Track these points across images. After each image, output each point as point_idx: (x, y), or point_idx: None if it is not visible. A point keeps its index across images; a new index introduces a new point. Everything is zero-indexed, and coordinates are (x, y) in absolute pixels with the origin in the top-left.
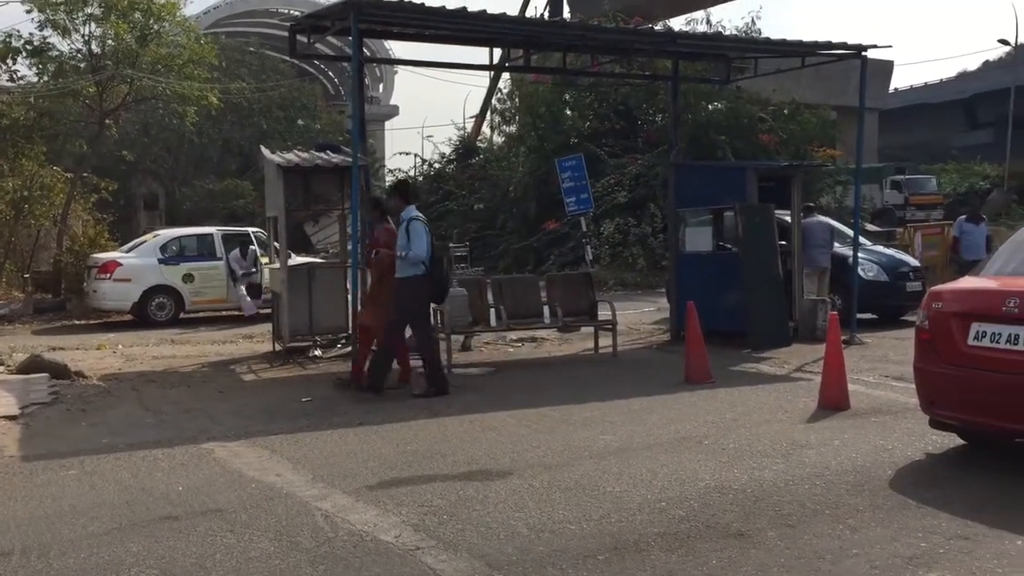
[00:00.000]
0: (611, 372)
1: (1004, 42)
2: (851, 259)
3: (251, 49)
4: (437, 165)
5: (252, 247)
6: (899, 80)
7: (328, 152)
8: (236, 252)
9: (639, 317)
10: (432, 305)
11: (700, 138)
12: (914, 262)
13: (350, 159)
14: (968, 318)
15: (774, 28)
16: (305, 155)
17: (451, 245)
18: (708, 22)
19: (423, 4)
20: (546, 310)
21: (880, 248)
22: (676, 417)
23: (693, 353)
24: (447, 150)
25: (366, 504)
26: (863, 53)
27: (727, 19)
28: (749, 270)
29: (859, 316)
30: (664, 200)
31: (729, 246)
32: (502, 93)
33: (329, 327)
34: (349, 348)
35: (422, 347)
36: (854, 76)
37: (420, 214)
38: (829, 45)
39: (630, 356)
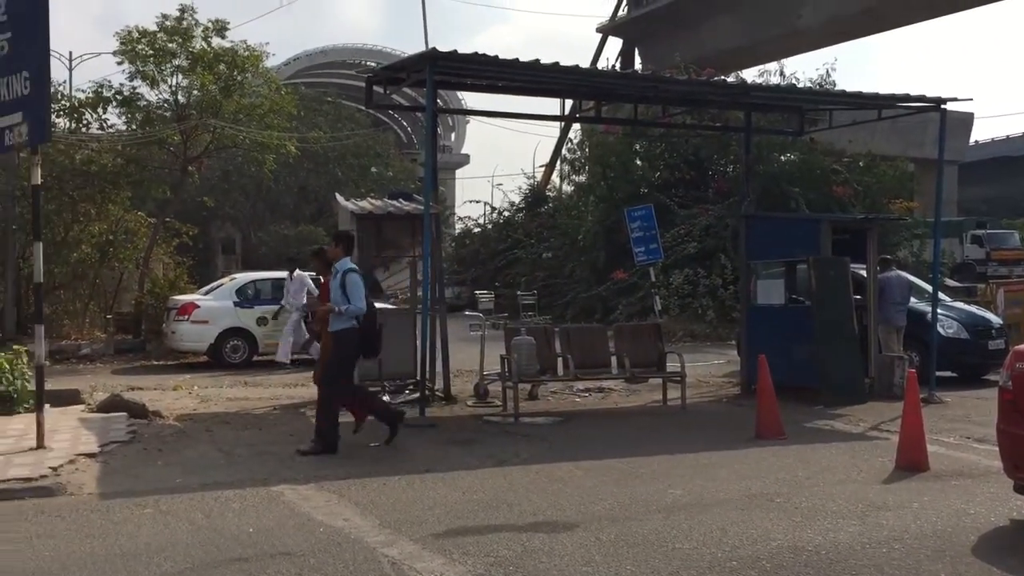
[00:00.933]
0: (680, 425)
1: None
2: (930, 315)
3: (328, 99)
4: (506, 213)
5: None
6: (980, 132)
7: (400, 200)
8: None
9: (708, 369)
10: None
11: (772, 189)
12: (996, 319)
13: (422, 207)
14: None
15: (851, 79)
16: (378, 203)
17: (519, 293)
18: (782, 73)
19: (497, 56)
20: (614, 360)
21: (960, 304)
22: (747, 473)
23: (765, 408)
24: (516, 198)
25: (432, 552)
26: (942, 106)
27: (801, 71)
28: (822, 324)
29: (938, 374)
30: (735, 251)
31: (802, 299)
32: (572, 143)
33: (398, 372)
34: (417, 394)
35: (325, 401)
36: (932, 128)
37: (355, 266)
38: (907, 98)
39: (699, 409)
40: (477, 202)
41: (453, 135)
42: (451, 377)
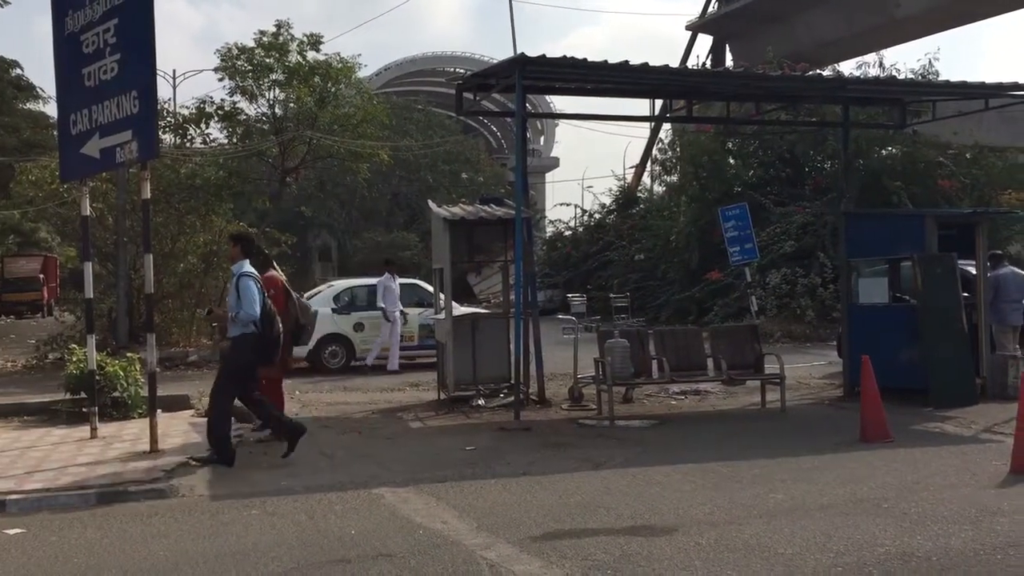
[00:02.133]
0: (779, 428)
1: None
2: None
3: (419, 107)
4: (597, 215)
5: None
6: None
7: (492, 205)
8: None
9: (809, 371)
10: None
11: (873, 184)
12: None
13: (513, 212)
14: None
15: (956, 69)
16: (470, 208)
17: (612, 295)
18: (881, 65)
19: (586, 60)
20: (710, 363)
21: None
22: (851, 477)
23: (869, 410)
24: (607, 200)
25: (530, 555)
26: None
27: (902, 61)
28: (929, 324)
29: None
30: (833, 249)
31: (907, 298)
32: (663, 143)
33: (492, 376)
34: (511, 398)
35: (215, 410)
36: None
37: (253, 270)
38: (1016, 86)
39: (799, 412)
40: (568, 205)
41: (542, 138)
42: (545, 381)
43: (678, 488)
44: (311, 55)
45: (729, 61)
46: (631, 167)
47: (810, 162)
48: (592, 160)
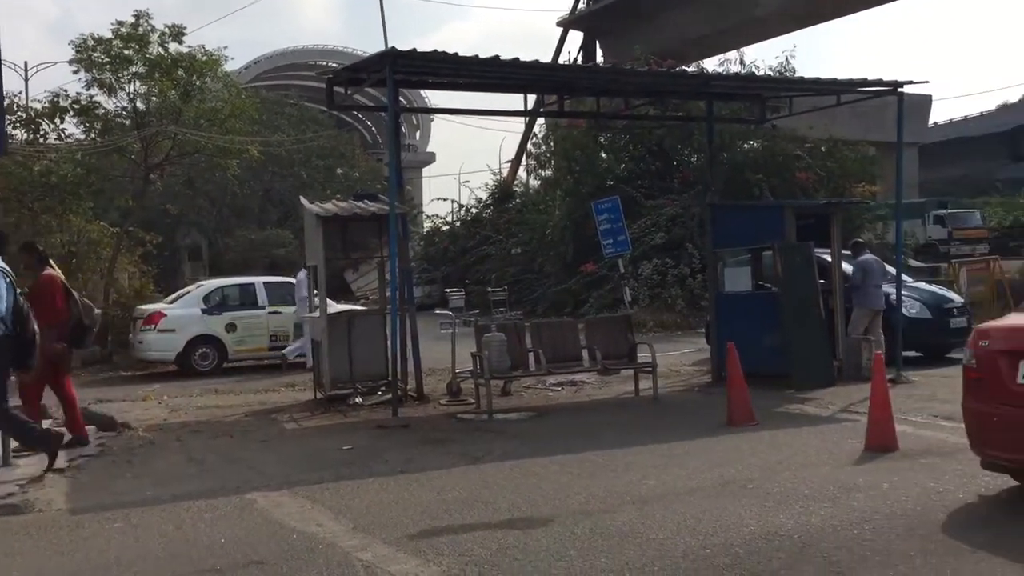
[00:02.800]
0: (652, 415)
1: None
2: (895, 296)
3: (291, 101)
4: (473, 210)
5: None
6: (939, 114)
7: (366, 201)
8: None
9: (680, 359)
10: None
11: (736, 177)
12: (958, 298)
13: (387, 207)
14: (1016, 356)
15: (812, 66)
16: (344, 204)
17: (489, 289)
18: (742, 62)
19: (456, 54)
20: (585, 353)
21: (922, 284)
22: (719, 461)
23: (735, 395)
24: (484, 195)
25: (407, 554)
26: (899, 89)
27: (761, 58)
28: (789, 309)
29: (904, 354)
30: (701, 240)
31: (769, 286)
32: (537, 137)
33: (370, 374)
34: (390, 395)
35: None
36: (891, 111)
37: (4, 266)
38: (865, 82)
39: (671, 399)
40: (445, 200)
41: (418, 134)
42: (423, 376)
43: (555, 479)
44: (174, 47)
45: (600, 58)
46: (507, 162)
47: (679, 156)
48: (469, 155)
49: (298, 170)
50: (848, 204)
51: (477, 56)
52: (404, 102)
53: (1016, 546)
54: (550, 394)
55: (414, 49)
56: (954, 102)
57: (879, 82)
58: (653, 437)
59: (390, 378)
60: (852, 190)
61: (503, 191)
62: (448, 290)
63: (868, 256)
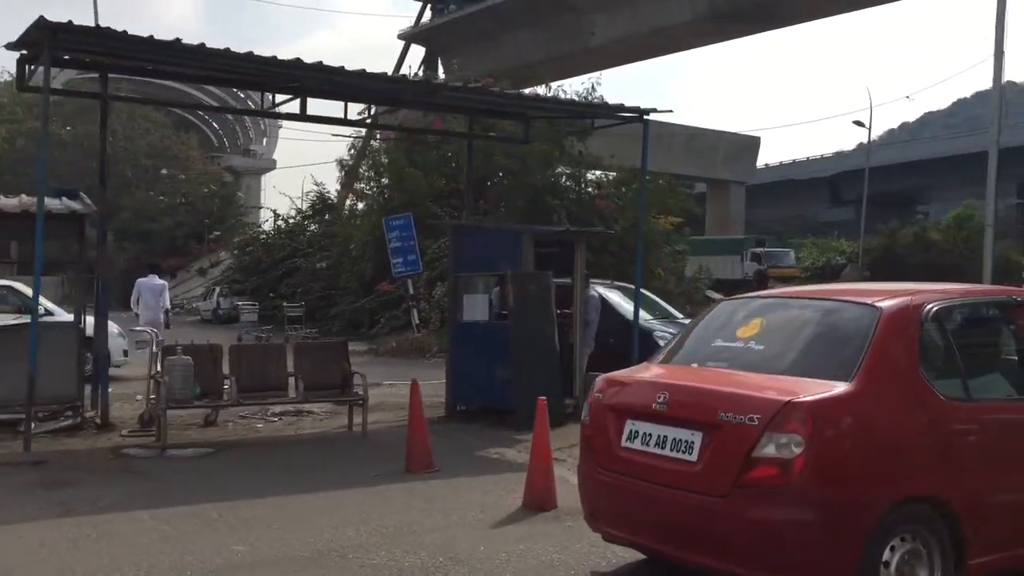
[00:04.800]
0: (339, 455)
1: (859, 124)
2: (656, 332)
3: (120, 94)
4: (291, 220)
5: None
6: (774, 156)
7: (63, 199)
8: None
9: (439, 388)
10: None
11: (537, 201)
12: None
13: (84, 207)
14: (624, 413)
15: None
16: (27, 200)
17: (286, 305)
18: (548, 86)
19: (126, 32)
20: (293, 382)
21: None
22: (353, 518)
23: (414, 437)
24: (305, 205)
25: None
26: (645, 117)
27: (568, 84)
28: (519, 342)
29: None
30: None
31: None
32: (355, 149)
33: (55, 396)
34: (72, 422)
35: None
36: (723, 150)
37: None
38: (612, 108)
39: (382, 436)
40: (262, 208)
41: (265, 140)
42: (111, 401)
43: (134, 542)
44: None
45: (441, 75)
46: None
47: (490, 176)
48: (320, 162)
49: (123, 168)
50: (591, 232)
51: (151, 37)
52: (253, 104)
53: None
54: (259, 426)
55: (70, 21)
56: (789, 145)
57: (625, 108)
58: (307, 484)
59: (86, 401)
60: (654, 221)
61: (324, 202)
62: (239, 303)
63: (591, 292)
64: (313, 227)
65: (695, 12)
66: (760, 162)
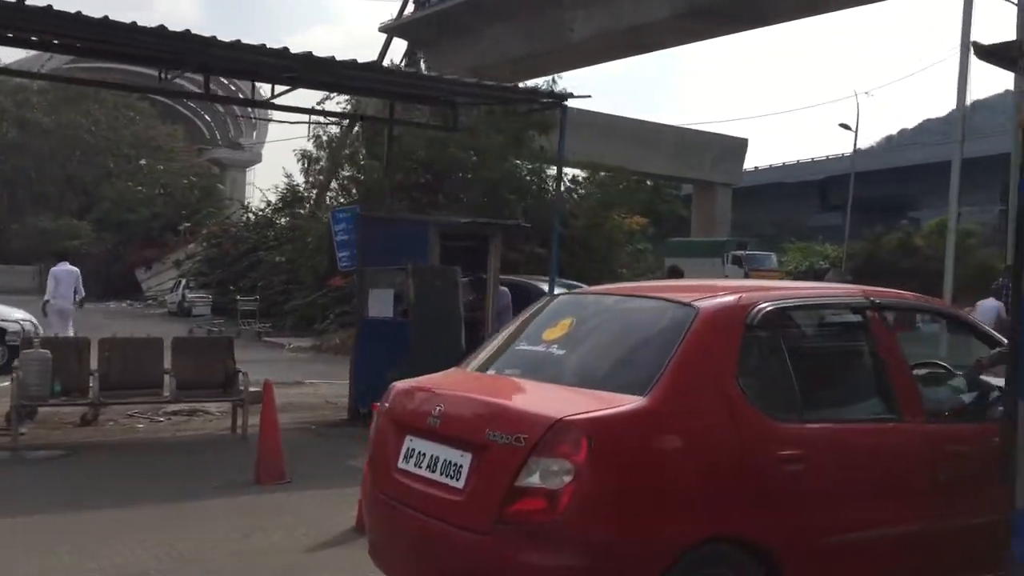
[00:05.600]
0: (199, 462)
1: (845, 127)
2: None
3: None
4: (259, 213)
5: None
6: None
7: None
8: None
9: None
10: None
11: (493, 195)
12: None
13: None
14: (404, 428)
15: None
16: None
17: (239, 298)
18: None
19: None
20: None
21: None
22: (162, 537)
23: (263, 446)
24: (275, 198)
25: None
26: (565, 103)
27: (544, 81)
28: (417, 341)
29: None
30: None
31: None
32: (320, 140)
33: None
34: None
35: None
36: (710, 151)
37: None
38: (533, 93)
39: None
40: (233, 200)
41: (255, 133)
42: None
43: None
44: None
45: (423, 69)
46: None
47: (449, 168)
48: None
49: (104, 158)
50: (502, 225)
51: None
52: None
53: None
54: (140, 427)
55: None
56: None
57: (546, 94)
58: (141, 496)
59: None
60: (616, 219)
61: (293, 194)
62: (192, 296)
63: (504, 289)
64: (283, 220)
65: (675, 9)
66: (751, 164)
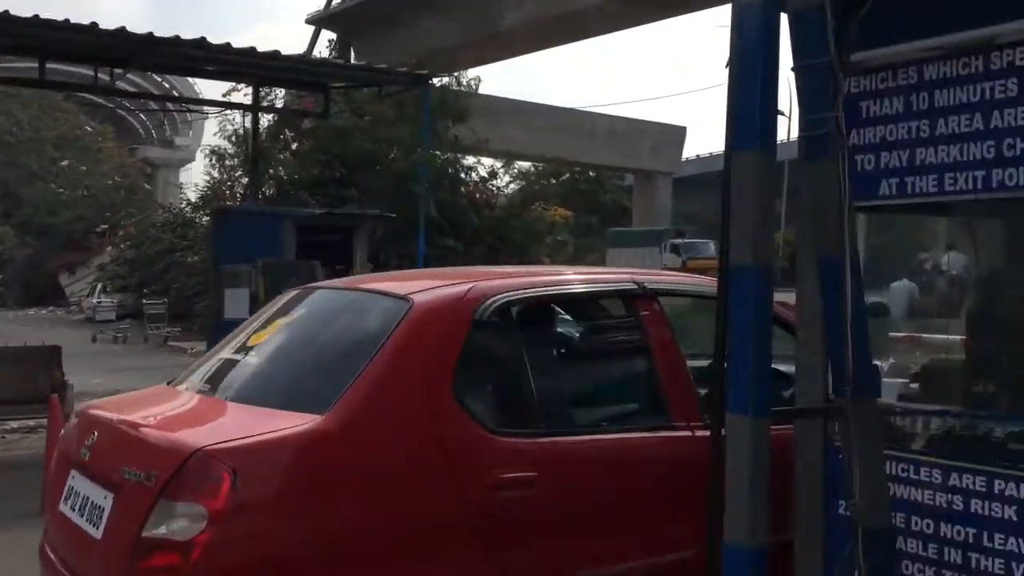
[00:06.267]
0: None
1: (780, 113)
2: None
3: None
4: (176, 211)
5: None
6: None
7: None
8: None
9: None
10: None
11: (401, 188)
12: None
13: None
14: (69, 460)
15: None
16: None
17: (145, 302)
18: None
19: None
20: None
21: None
22: None
23: (49, 471)
24: (195, 196)
25: None
26: (429, 81)
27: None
28: None
29: None
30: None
31: None
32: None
33: None
34: None
35: None
36: (647, 140)
37: None
38: (399, 74)
39: None
40: (155, 200)
41: (191, 132)
42: None
43: None
44: None
45: (354, 61)
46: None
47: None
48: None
49: (28, 160)
50: (364, 217)
51: None
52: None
53: None
54: None
55: None
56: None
57: (407, 75)
58: None
59: None
60: (532, 210)
61: (215, 193)
62: (97, 300)
63: None
64: (205, 219)
65: None
66: (693, 153)
